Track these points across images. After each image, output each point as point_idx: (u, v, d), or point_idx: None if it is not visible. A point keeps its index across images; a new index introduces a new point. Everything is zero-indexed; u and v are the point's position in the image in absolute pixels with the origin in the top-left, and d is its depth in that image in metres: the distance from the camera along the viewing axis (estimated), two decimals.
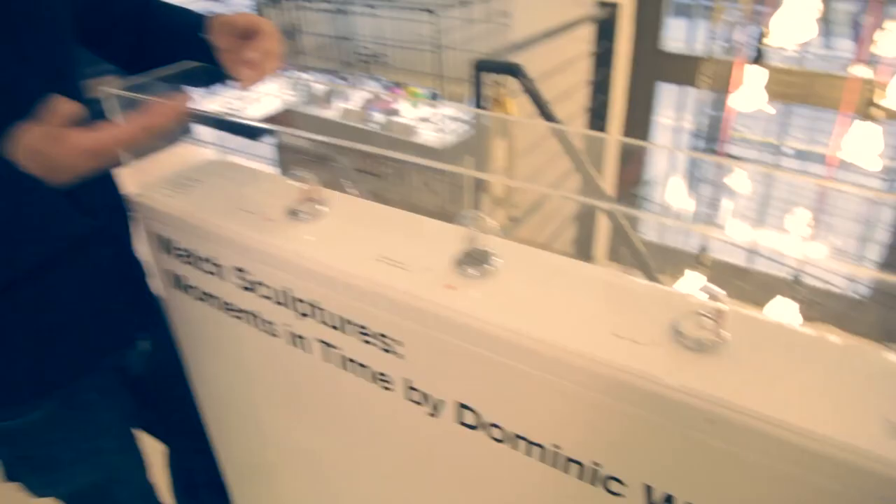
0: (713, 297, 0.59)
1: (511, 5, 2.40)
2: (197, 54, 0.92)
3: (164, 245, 0.94)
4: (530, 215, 1.94)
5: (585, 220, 2.54)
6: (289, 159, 2.78)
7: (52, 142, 0.66)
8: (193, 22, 0.92)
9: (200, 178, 0.94)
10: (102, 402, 1.01)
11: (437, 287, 0.69)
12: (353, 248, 0.76)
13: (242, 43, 0.86)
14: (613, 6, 2.40)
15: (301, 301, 0.79)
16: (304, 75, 2.77)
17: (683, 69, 2.43)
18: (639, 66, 2.48)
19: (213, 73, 0.92)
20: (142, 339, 1.06)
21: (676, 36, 2.57)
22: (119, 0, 0.98)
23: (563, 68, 2.31)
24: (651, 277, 1.96)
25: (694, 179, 2.57)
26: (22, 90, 0.76)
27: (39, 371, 0.91)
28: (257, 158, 3.12)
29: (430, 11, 2.06)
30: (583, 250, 2.73)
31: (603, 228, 2.55)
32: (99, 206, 0.88)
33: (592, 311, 0.65)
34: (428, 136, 2.22)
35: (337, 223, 0.81)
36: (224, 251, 0.84)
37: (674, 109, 2.76)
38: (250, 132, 2.35)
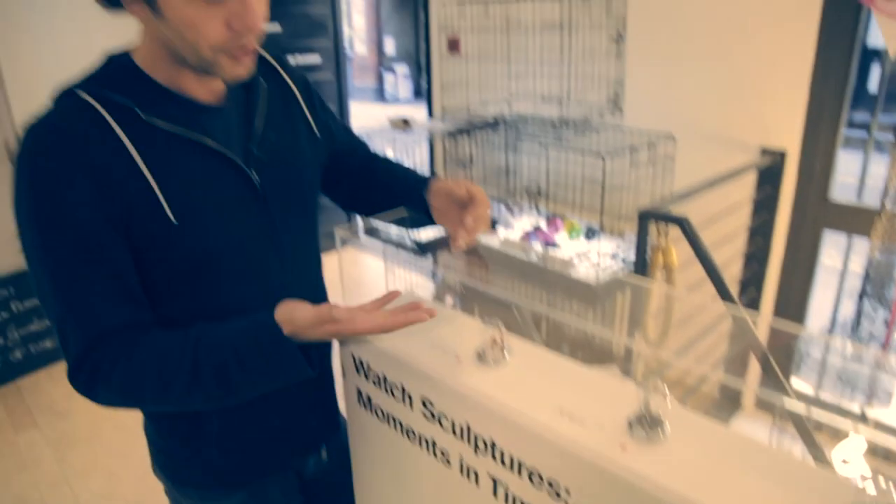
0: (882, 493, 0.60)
1: (676, 150, 2.48)
2: (414, 208, 1.09)
3: (359, 365, 1.05)
4: (682, 355, 1.93)
5: (736, 364, 2.46)
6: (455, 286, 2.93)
7: (319, 326, 0.85)
8: (415, 183, 1.09)
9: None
10: (282, 501, 1.13)
11: (611, 445, 0.74)
12: (533, 395, 0.83)
13: (456, 206, 1.01)
14: (780, 154, 2.41)
15: (479, 437, 0.86)
16: None
17: (854, 220, 2.36)
18: (805, 214, 2.44)
19: (422, 220, 1.09)
20: (324, 447, 1.18)
21: (847, 170, 2.50)
22: (351, 157, 1.18)
23: (725, 213, 2.33)
24: (805, 433, 1.85)
25: (859, 332, 2.43)
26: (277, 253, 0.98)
27: (239, 465, 1.05)
28: (421, 271, 3.32)
29: (600, 157, 2.16)
30: (732, 396, 2.63)
31: (754, 375, 2.45)
32: (323, 353, 1.03)
33: (761, 492, 0.67)
34: (584, 270, 2.28)
35: (520, 369, 0.89)
36: (414, 381, 0.94)
37: (841, 252, 2.66)
38: (420, 248, 2.54)
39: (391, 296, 0.97)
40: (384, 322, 0.86)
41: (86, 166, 0.80)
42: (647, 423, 0.77)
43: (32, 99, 3.10)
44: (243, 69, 0.87)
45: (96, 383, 0.84)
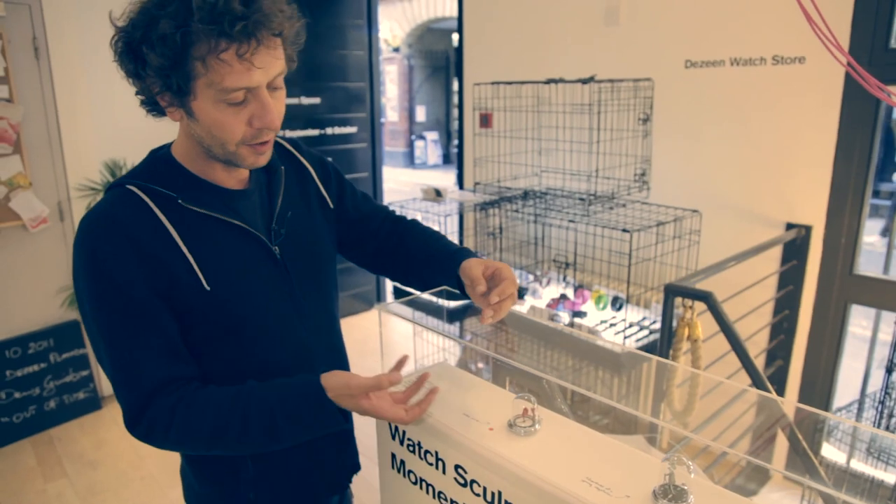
0: None
1: (701, 225, 2.53)
2: (442, 279, 1.16)
3: (394, 432, 1.10)
4: (707, 425, 1.93)
5: (764, 434, 2.43)
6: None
7: (351, 398, 0.96)
8: (448, 258, 1.16)
9: (430, 380, 1.12)
10: None
11: None
12: (562, 464, 0.87)
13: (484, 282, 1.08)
14: (806, 228, 2.44)
15: (510, 503, 0.90)
16: None
17: (881, 293, 2.37)
18: (831, 288, 2.45)
19: (455, 294, 1.16)
20: (339, 494, 1.27)
21: (874, 238, 2.51)
22: (371, 221, 1.28)
23: (751, 286, 2.35)
24: None
25: (888, 403, 2.39)
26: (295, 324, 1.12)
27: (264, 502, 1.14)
28: (449, 335, 3.35)
29: (626, 231, 2.23)
30: (761, 467, 2.58)
31: (781, 447, 2.42)
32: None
33: None
34: (610, 338, 2.30)
35: (549, 439, 0.93)
36: (448, 448, 0.98)
37: (871, 319, 2.65)
38: (448, 314, 2.59)
39: (422, 380, 1.06)
40: (404, 417, 0.98)
41: (133, 246, 0.94)
42: (671, 495, 0.80)
43: (86, 164, 3.30)
44: (263, 158, 1.02)
45: (154, 433, 0.97)
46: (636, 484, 0.83)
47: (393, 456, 1.12)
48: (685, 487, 0.80)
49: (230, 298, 1.02)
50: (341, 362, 1.26)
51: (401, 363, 1.03)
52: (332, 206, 1.25)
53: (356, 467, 1.31)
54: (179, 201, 1.00)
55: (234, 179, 1.08)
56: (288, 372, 1.08)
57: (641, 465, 0.88)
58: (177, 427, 0.96)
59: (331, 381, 0.97)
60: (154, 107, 0.99)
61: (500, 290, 1.04)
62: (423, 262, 1.24)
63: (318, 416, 0.97)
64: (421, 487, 1.07)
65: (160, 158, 1.05)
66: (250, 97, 0.94)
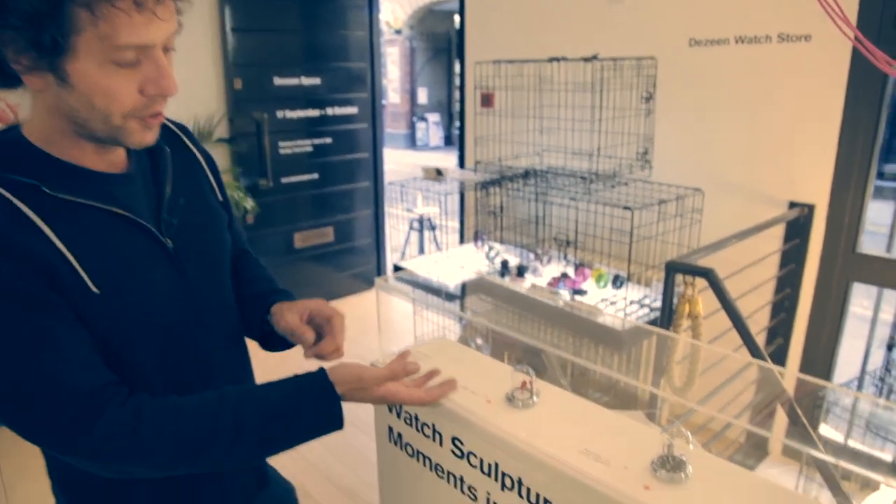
0: None
1: (703, 203, 2.51)
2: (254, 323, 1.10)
3: (391, 405, 1.10)
4: (707, 401, 1.93)
5: (763, 410, 2.43)
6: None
7: (360, 392, 0.91)
8: (262, 295, 1.12)
9: (430, 354, 1.11)
10: None
11: (635, 484, 0.77)
12: (560, 436, 0.87)
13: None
14: (809, 207, 2.42)
15: (506, 475, 0.89)
16: (500, 248, 3.01)
17: (884, 272, 2.36)
18: (833, 266, 2.44)
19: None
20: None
21: (877, 219, 2.50)
22: (235, 237, 1.16)
23: (752, 264, 2.33)
24: (832, 482, 1.82)
25: (888, 381, 2.39)
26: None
27: None
28: (448, 315, 3.34)
29: (628, 209, 2.23)
30: (758, 443, 2.59)
31: (781, 422, 2.42)
32: None
33: None
34: (610, 317, 2.30)
35: (547, 412, 0.93)
36: (445, 421, 0.98)
37: (872, 299, 2.64)
38: (445, 296, 2.58)
39: (432, 374, 1.00)
40: (423, 396, 0.94)
41: (3, 250, 0.76)
42: (670, 465, 0.80)
43: None
44: (152, 135, 0.87)
45: (116, 436, 0.79)
46: (635, 455, 0.83)
47: (390, 429, 1.12)
48: (683, 458, 0.80)
49: (123, 301, 0.85)
50: (245, 372, 1.10)
51: (402, 358, 0.98)
52: (220, 198, 1.09)
53: (266, 481, 1.15)
54: (44, 189, 0.80)
55: (106, 163, 0.89)
56: (190, 387, 0.89)
57: (640, 437, 0.88)
58: (149, 427, 0.80)
59: (339, 374, 0.89)
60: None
61: (336, 341, 1.01)
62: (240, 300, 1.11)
63: (323, 416, 0.87)
64: (418, 460, 1.07)
65: (9, 142, 0.84)
66: (143, 58, 0.78)
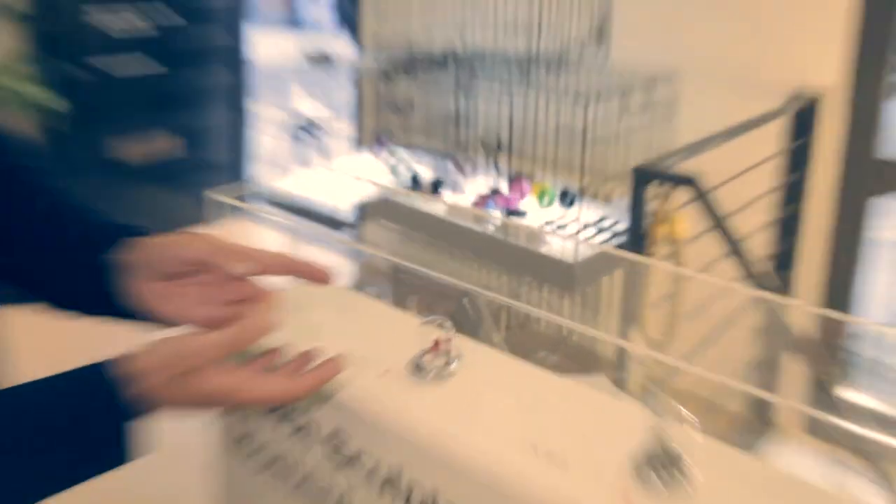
0: None
1: (680, 93, 2.53)
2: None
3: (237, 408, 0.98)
4: (694, 358, 1.93)
5: (768, 369, 2.49)
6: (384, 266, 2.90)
7: (181, 382, 0.72)
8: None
9: (303, 307, 0.99)
10: None
11: (611, 499, 0.70)
12: (493, 423, 0.79)
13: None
14: (814, 99, 2.44)
15: (414, 488, 0.80)
16: (408, 156, 2.96)
17: None
18: (847, 175, 2.47)
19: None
20: None
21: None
22: None
23: (744, 174, 2.33)
24: (870, 462, 1.88)
25: None
26: None
27: None
28: (338, 251, 3.29)
29: (581, 101, 2.23)
30: (763, 412, 2.65)
31: (792, 383, 2.48)
32: None
33: None
34: (558, 245, 2.29)
35: (472, 386, 0.85)
36: (318, 410, 0.88)
37: None
38: (332, 223, 2.53)
39: (307, 357, 0.83)
40: (291, 388, 0.77)
41: None
42: (659, 462, 0.72)
43: None
44: None
45: None
46: (605, 448, 0.76)
47: (228, 429, 1.01)
48: (678, 451, 0.72)
49: None
50: None
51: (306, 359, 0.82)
52: None
53: None
54: None
55: None
56: None
57: (610, 418, 0.83)
58: None
59: (137, 361, 0.71)
60: None
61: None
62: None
63: (95, 443, 0.71)
64: (273, 474, 0.97)
65: None
66: None
